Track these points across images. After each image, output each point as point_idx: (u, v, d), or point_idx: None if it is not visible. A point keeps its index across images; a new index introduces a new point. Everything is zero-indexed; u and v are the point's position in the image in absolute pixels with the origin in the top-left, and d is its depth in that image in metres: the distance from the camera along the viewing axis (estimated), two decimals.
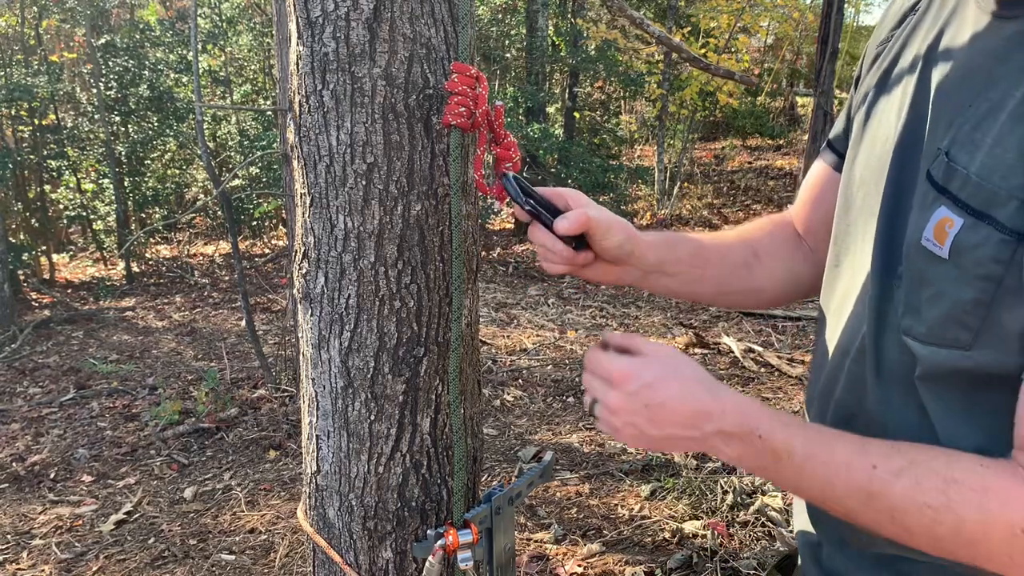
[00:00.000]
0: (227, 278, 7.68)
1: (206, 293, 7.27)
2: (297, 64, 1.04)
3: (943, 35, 0.77)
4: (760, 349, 5.02)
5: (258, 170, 8.19)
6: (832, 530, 0.86)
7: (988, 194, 0.66)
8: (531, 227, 0.96)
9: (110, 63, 7.70)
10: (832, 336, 0.87)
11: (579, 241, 0.95)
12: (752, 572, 2.64)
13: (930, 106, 0.75)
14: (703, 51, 9.16)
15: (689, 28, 9.43)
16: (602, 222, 0.93)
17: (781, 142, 13.48)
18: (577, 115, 10.19)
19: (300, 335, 1.15)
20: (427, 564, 1.06)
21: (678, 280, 1.02)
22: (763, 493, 3.12)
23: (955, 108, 0.71)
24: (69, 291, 7.36)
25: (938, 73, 0.75)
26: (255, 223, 8.72)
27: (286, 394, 4.47)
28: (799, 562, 1.02)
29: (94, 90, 7.75)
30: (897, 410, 0.76)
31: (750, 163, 12.61)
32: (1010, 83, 0.67)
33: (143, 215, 8.85)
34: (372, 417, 1.09)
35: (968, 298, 0.67)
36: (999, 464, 0.68)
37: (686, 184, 10.78)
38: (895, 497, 0.70)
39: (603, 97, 11.35)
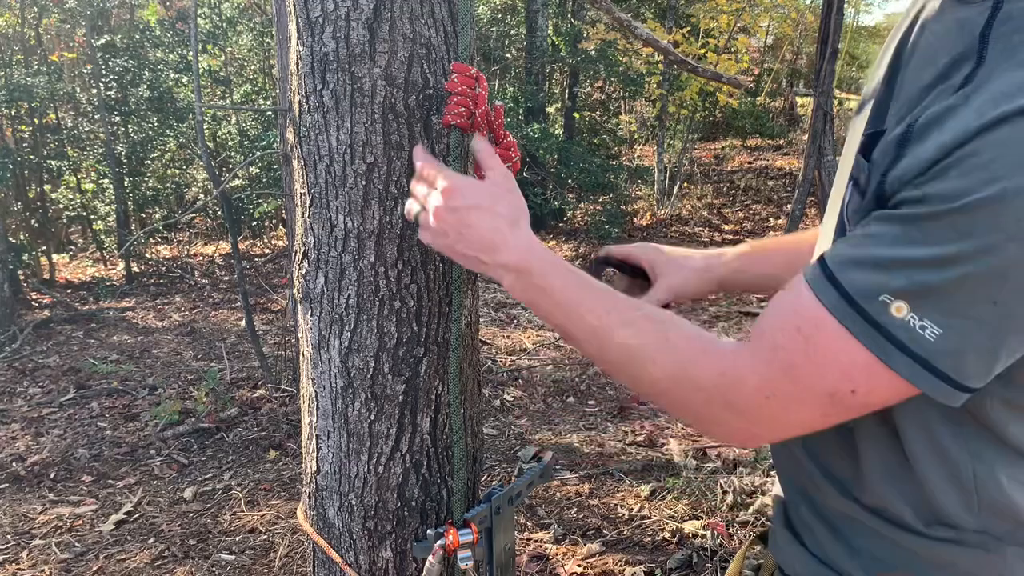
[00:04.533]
0: (227, 278, 7.68)
1: (206, 293, 7.27)
2: (297, 64, 1.04)
3: (917, 20, 0.79)
4: None
5: (258, 170, 8.19)
6: (794, 485, 0.91)
7: (861, 164, 0.72)
8: None
9: (110, 63, 7.70)
10: None
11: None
12: (752, 572, 2.64)
13: (894, 88, 0.77)
14: (703, 51, 9.16)
15: (688, 28, 9.43)
16: (668, 271, 1.14)
17: (781, 142, 13.48)
18: (577, 115, 10.18)
19: (300, 335, 1.15)
20: (427, 564, 1.06)
21: (747, 287, 1.16)
22: (763, 493, 3.12)
23: (906, 92, 0.74)
24: (69, 291, 7.36)
25: (906, 57, 0.78)
26: (255, 223, 8.72)
27: (286, 394, 4.47)
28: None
29: (94, 90, 7.75)
30: None
31: (750, 163, 12.61)
32: (935, 68, 0.70)
33: (143, 215, 8.85)
34: (372, 417, 1.09)
35: None
36: (713, 336, 0.81)
37: (686, 184, 10.78)
38: (619, 343, 0.82)
39: (603, 97, 11.34)
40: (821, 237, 0.92)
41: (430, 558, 1.06)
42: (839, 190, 0.86)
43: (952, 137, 0.62)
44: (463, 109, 1.00)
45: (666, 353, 0.79)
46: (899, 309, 0.65)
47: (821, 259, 0.71)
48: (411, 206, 0.96)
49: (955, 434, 0.73)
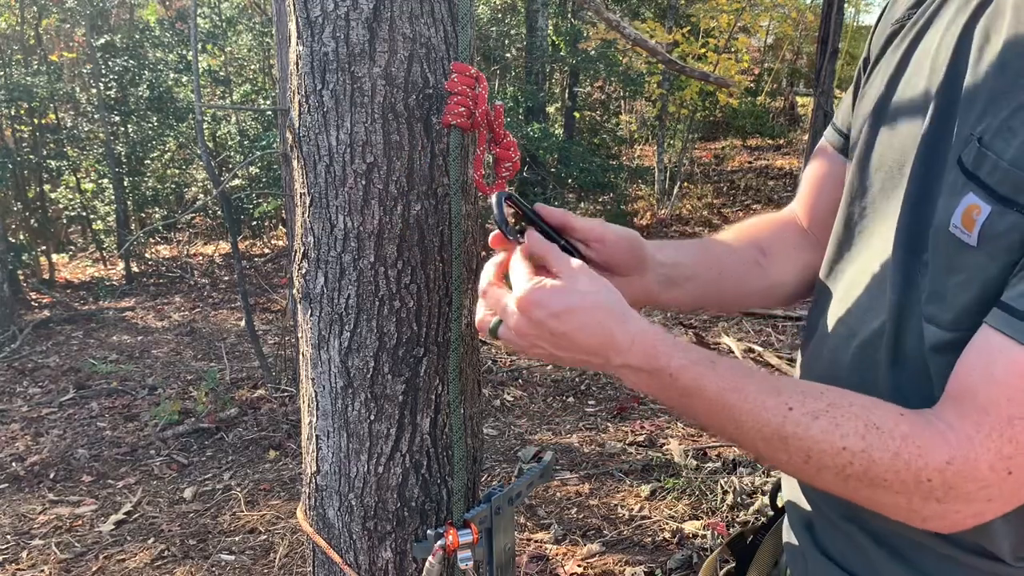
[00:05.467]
0: (227, 278, 7.68)
1: (206, 293, 7.27)
2: (297, 64, 1.04)
3: (978, 18, 0.75)
4: (760, 349, 5.02)
5: (258, 170, 8.19)
6: (839, 508, 0.86)
7: (1018, 180, 0.65)
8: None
9: (110, 63, 7.70)
10: (837, 319, 0.86)
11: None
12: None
13: (963, 91, 0.73)
14: (703, 51, 9.15)
15: (689, 28, 9.42)
16: (593, 224, 0.91)
17: (781, 142, 13.48)
18: (577, 115, 10.18)
19: (300, 335, 1.15)
20: (427, 564, 1.05)
21: (695, 285, 0.99)
22: (763, 493, 3.12)
23: (991, 95, 0.70)
24: (69, 291, 7.35)
25: (973, 58, 0.74)
26: (255, 223, 8.72)
27: (286, 394, 4.47)
28: (782, 537, 1.02)
29: (94, 90, 7.75)
30: (909, 399, 0.76)
31: (750, 163, 12.61)
32: None
33: (143, 215, 8.85)
34: (372, 417, 1.09)
35: (1002, 284, 0.67)
36: (916, 414, 0.71)
37: (686, 184, 10.78)
38: (811, 439, 0.71)
39: (603, 97, 11.34)
40: (849, 263, 0.87)
41: (430, 558, 1.05)
42: (874, 211, 0.82)
43: None
44: (463, 109, 0.99)
45: (882, 444, 0.69)
46: None
47: (1018, 311, 0.64)
48: (484, 318, 0.83)
49: None
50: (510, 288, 0.80)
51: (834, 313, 0.87)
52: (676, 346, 0.76)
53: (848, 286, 0.86)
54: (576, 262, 0.80)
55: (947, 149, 0.73)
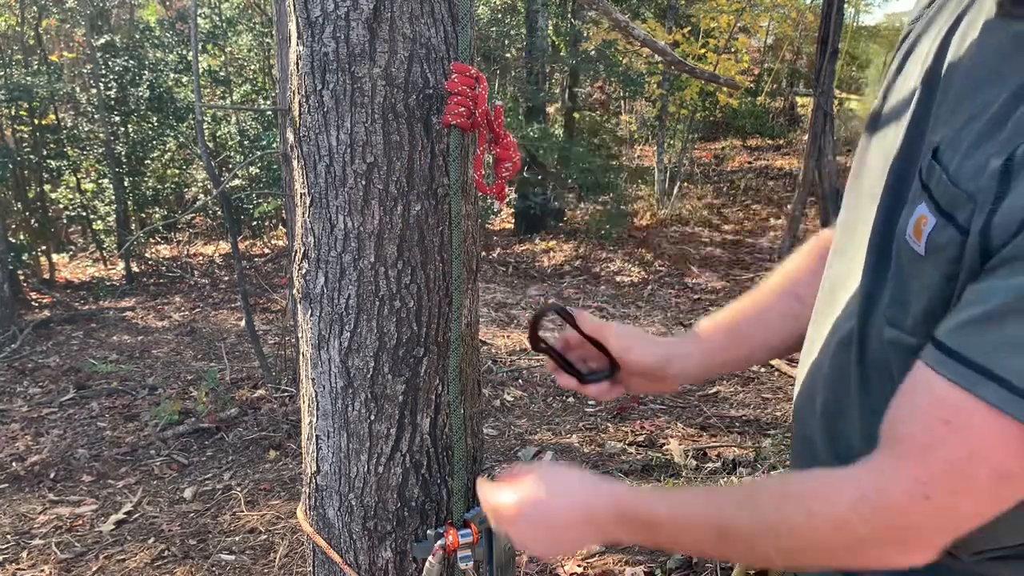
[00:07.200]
0: (227, 278, 7.68)
1: (206, 293, 7.27)
2: (297, 64, 1.04)
3: (959, 23, 0.75)
4: None
5: (258, 170, 8.19)
6: None
7: (954, 195, 0.66)
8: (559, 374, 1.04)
9: (110, 63, 7.70)
10: (824, 319, 0.89)
11: (601, 371, 1.03)
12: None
13: (935, 99, 0.74)
14: (703, 51, 9.16)
15: (689, 28, 9.42)
16: (621, 339, 1.00)
17: (781, 142, 13.49)
18: (577, 115, 10.18)
19: (300, 335, 1.15)
20: (427, 564, 1.06)
21: (729, 367, 1.09)
22: None
23: (953, 104, 0.71)
24: (69, 291, 7.35)
25: (947, 66, 0.74)
26: (255, 223, 8.72)
27: (286, 394, 4.47)
28: None
29: (94, 90, 7.75)
30: (876, 397, 0.77)
31: (750, 163, 12.61)
32: (1000, 86, 0.66)
33: (143, 215, 8.85)
34: (372, 417, 1.09)
35: (944, 296, 0.69)
36: (829, 470, 0.75)
37: (686, 184, 10.78)
38: (743, 528, 0.75)
39: (603, 97, 11.35)
40: (839, 260, 0.88)
41: (430, 558, 1.06)
42: (861, 208, 0.83)
43: None
44: (463, 109, 1.00)
45: (794, 508, 0.72)
46: None
47: (948, 349, 0.65)
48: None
49: None
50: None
51: (823, 314, 0.90)
52: (629, 494, 0.82)
53: (834, 288, 0.88)
54: (519, 489, 0.88)
55: (918, 157, 0.74)
